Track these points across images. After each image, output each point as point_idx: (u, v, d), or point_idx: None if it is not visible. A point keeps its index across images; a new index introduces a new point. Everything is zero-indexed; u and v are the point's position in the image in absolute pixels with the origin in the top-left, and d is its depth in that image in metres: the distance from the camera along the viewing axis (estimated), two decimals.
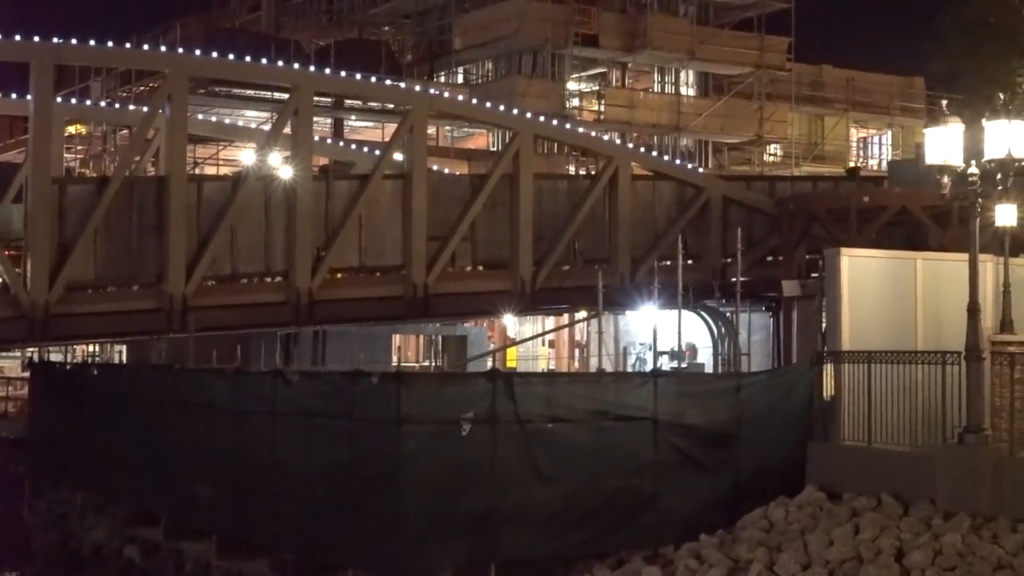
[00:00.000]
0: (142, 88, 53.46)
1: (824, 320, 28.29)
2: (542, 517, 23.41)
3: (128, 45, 39.13)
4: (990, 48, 44.68)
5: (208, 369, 30.59)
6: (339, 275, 36.42)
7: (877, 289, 26.53)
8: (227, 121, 52.49)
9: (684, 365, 35.88)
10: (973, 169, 22.38)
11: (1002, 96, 23.08)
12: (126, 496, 32.59)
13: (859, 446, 24.20)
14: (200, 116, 48.75)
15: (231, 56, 37.88)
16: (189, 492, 28.88)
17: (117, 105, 50.53)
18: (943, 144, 22.37)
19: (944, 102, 23.46)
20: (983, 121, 22.52)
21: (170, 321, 33.60)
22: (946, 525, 21.32)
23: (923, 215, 33.55)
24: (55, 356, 44.97)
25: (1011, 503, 21.30)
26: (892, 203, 34.61)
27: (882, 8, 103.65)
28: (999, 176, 22.43)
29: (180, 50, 40.88)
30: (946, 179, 22.52)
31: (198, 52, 38.42)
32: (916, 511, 22.11)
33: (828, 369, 25.37)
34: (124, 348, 49.16)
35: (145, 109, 38.98)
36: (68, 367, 41.05)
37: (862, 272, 26.58)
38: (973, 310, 22.37)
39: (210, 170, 54.74)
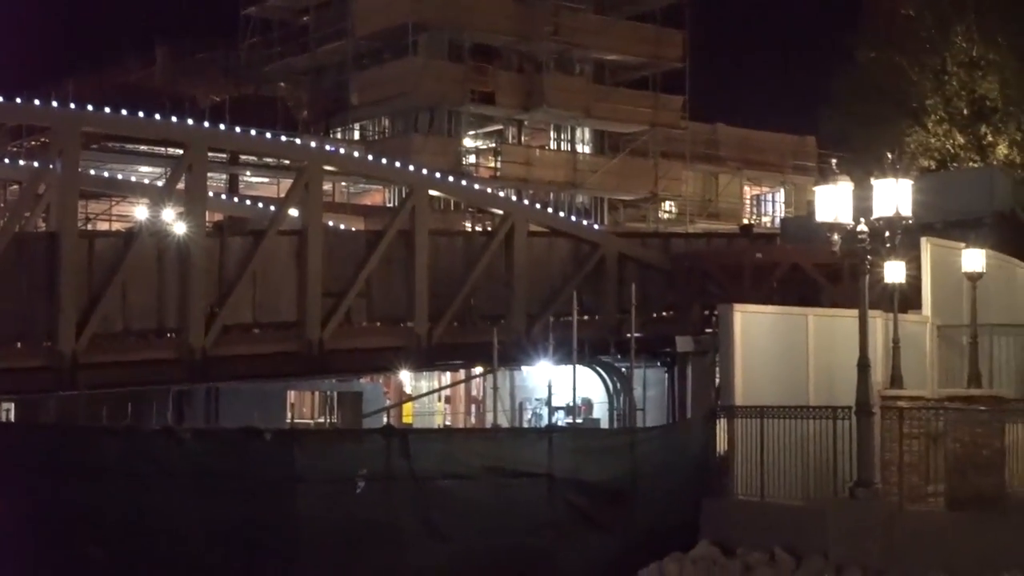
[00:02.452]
0: (33, 143, 52.83)
1: (718, 375, 28.50)
2: None
3: (18, 100, 38.63)
4: (879, 110, 45.52)
5: (97, 428, 30.05)
6: (235, 331, 36.05)
7: (770, 345, 26.75)
8: (120, 176, 51.95)
9: (579, 420, 35.96)
10: (862, 227, 22.70)
11: (890, 155, 23.42)
12: (15, 561, 31.83)
13: (752, 500, 24.37)
14: (92, 171, 48.19)
15: (124, 111, 37.52)
16: (81, 555, 28.25)
17: (7, 160, 49.81)
18: (833, 202, 22.66)
19: (834, 161, 23.67)
20: (872, 180, 22.88)
21: (60, 379, 32.94)
22: None
23: (815, 272, 33.97)
24: None
25: (902, 557, 21.53)
26: (784, 260, 35.05)
27: (775, 69, 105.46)
28: (887, 234, 22.76)
29: (72, 105, 40.39)
30: (836, 236, 22.80)
31: (90, 107, 37.90)
32: (808, 565, 22.30)
33: (722, 424, 25.55)
34: (12, 407, 48.24)
35: (35, 164, 38.47)
36: None
37: (755, 328, 26.79)
38: (863, 366, 22.65)
39: (103, 226, 54.08)
